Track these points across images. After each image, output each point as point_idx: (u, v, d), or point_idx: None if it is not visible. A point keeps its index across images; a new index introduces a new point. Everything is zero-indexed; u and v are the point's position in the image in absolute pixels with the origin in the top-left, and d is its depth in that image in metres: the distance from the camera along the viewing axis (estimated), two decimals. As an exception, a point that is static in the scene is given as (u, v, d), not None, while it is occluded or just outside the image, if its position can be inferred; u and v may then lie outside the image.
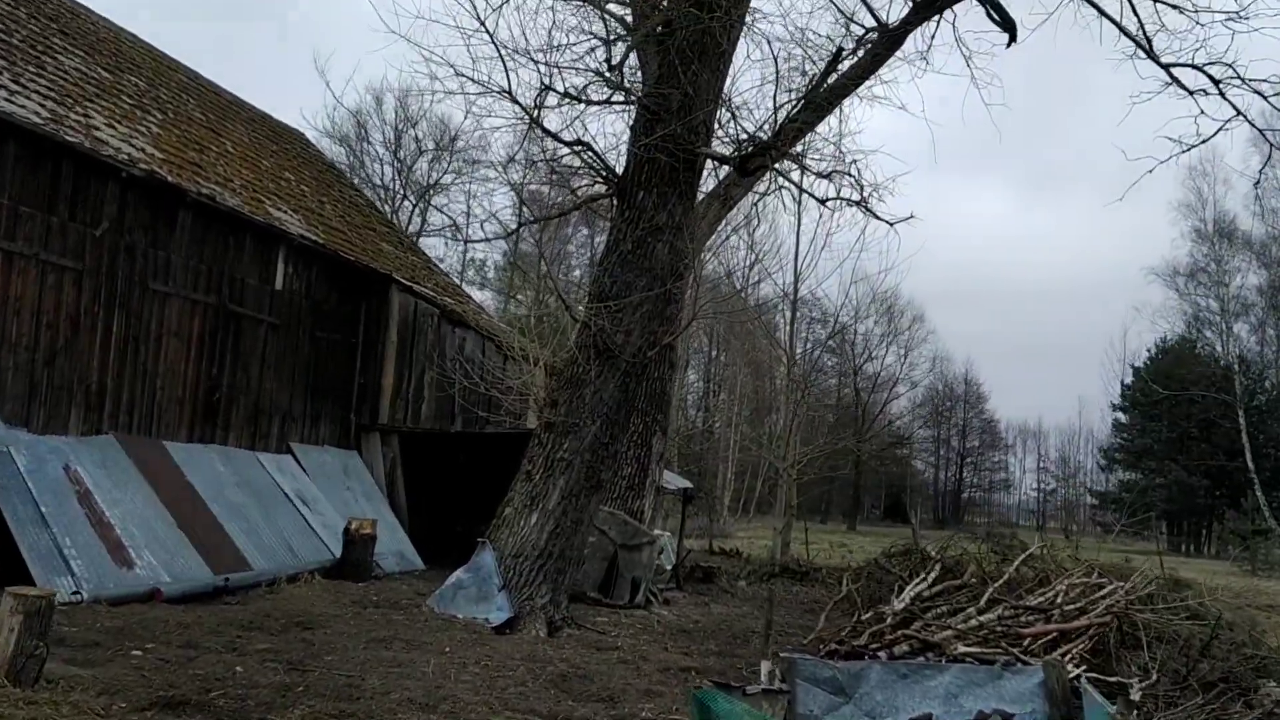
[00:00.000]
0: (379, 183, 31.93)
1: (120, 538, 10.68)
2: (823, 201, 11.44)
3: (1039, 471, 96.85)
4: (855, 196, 10.91)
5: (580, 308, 11.88)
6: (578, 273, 49.70)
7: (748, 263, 26.02)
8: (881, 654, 9.11)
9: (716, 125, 12.54)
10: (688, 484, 18.68)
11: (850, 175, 11.08)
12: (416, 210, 31.48)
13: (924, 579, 10.73)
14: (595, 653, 10.95)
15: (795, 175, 11.75)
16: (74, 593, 9.53)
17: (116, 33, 16.12)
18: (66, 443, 11.25)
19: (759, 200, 13.42)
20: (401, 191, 30.75)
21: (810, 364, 28.98)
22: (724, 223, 15.36)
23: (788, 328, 25.07)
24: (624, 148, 12.38)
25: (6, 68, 11.19)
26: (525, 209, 11.66)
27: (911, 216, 11.16)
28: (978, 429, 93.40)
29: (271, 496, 13.76)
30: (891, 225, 11.01)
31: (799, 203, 14.01)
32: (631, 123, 11.99)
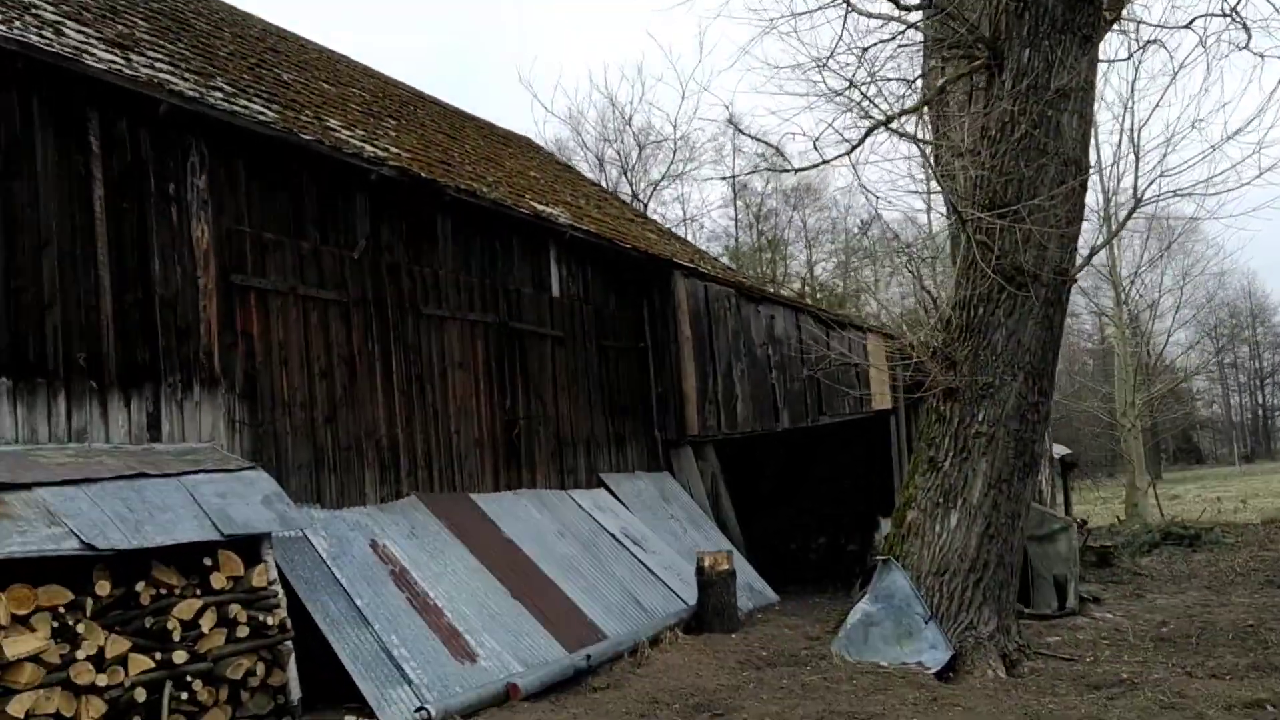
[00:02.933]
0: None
1: (453, 623, 8.36)
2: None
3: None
4: None
5: (962, 218, 8.65)
6: (800, 259, 46.26)
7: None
8: None
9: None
10: (1066, 450, 15.01)
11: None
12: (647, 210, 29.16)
13: None
14: (1104, 696, 7.70)
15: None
16: (418, 710, 7.19)
17: (329, 54, 14.38)
18: (367, 513, 9.11)
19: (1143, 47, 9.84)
20: (631, 194, 28.46)
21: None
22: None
23: (1111, 252, 20.62)
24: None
25: (219, 73, 9.25)
26: (866, 106, 8.54)
27: None
28: (1271, 344, 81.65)
29: (598, 541, 11.30)
30: None
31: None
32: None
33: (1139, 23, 11.38)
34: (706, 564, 10.52)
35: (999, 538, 8.98)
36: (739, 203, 46.48)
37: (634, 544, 11.61)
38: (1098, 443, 39.86)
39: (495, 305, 11.42)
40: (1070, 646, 9.81)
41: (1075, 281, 8.96)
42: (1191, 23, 10.28)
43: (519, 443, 11.41)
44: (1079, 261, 8.81)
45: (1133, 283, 25.00)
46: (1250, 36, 9.84)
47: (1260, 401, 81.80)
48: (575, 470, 12.34)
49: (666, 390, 14.11)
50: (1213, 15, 10.37)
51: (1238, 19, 9.84)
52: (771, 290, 13.95)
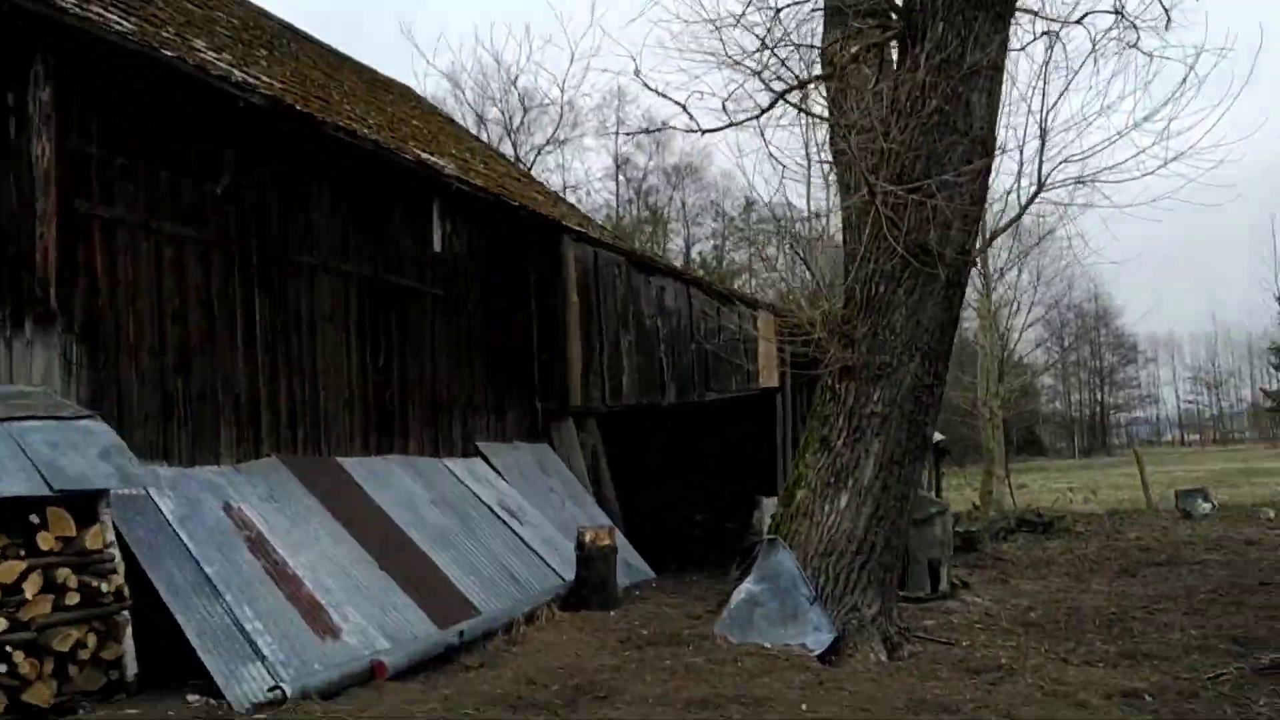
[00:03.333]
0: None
1: (314, 595, 7.70)
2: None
3: (1177, 382, 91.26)
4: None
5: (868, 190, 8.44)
6: (680, 236, 46.11)
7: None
8: None
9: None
10: (941, 435, 15.17)
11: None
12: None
13: None
14: (986, 681, 7.62)
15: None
16: (272, 689, 6.54)
17: (194, -24, 13.18)
18: (221, 474, 8.32)
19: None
20: (514, 157, 27.63)
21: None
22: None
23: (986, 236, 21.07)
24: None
25: (70, -25, 8.22)
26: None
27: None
28: (1110, 345, 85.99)
29: (474, 513, 10.73)
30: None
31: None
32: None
33: (1035, 14, 11.38)
34: (587, 539, 10.10)
35: (887, 520, 8.85)
36: (621, 177, 46.15)
37: (510, 516, 11.09)
38: (956, 432, 41.23)
39: (372, 257, 10.67)
40: (946, 630, 9.81)
41: (975, 264, 8.89)
42: (1082, 19, 10.32)
43: (392, 406, 10.72)
44: (979, 244, 8.73)
45: (1000, 277, 25.75)
46: (1139, 35, 9.92)
47: (1098, 399, 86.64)
48: (451, 438, 11.72)
49: (550, 359, 13.59)
50: (1101, 12, 10.45)
51: (1126, 18, 9.91)
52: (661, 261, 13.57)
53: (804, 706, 6.77)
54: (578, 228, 14.00)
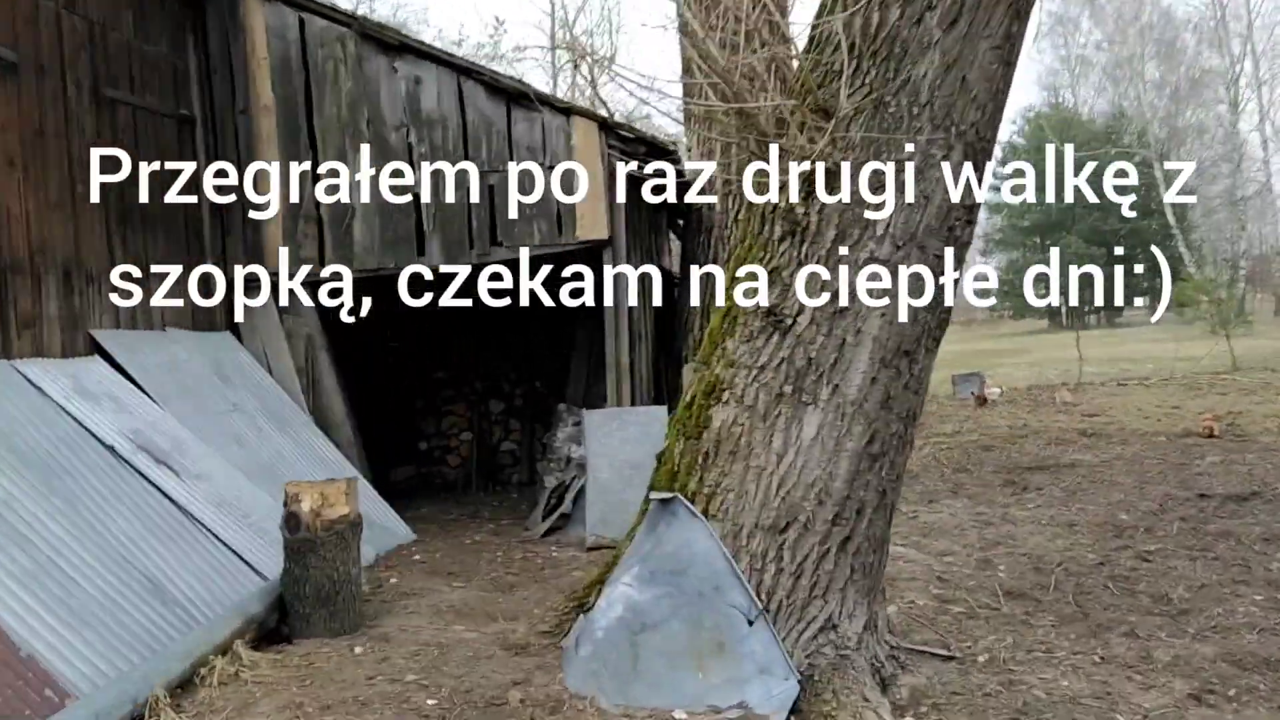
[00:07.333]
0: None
1: None
2: None
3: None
4: None
5: None
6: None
7: None
8: None
9: None
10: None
11: None
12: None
13: None
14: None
15: None
16: None
17: None
18: None
19: None
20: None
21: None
22: None
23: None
24: None
25: None
26: None
27: None
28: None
29: (78, 464, 5.61)
30: None
31: None
32: None
33: None
34: (305, 508, 5.31)
35: (886, 458, 4.77)
36: None
37: (157, 464, 6.07)
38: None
39: None
40: (915, 616, 6.06)
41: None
42: None
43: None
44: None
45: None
46: None
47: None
48: (36, 322, 6.41)
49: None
50: None
51: None
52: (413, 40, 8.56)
53: None
54: (272, -18, 8.64)
